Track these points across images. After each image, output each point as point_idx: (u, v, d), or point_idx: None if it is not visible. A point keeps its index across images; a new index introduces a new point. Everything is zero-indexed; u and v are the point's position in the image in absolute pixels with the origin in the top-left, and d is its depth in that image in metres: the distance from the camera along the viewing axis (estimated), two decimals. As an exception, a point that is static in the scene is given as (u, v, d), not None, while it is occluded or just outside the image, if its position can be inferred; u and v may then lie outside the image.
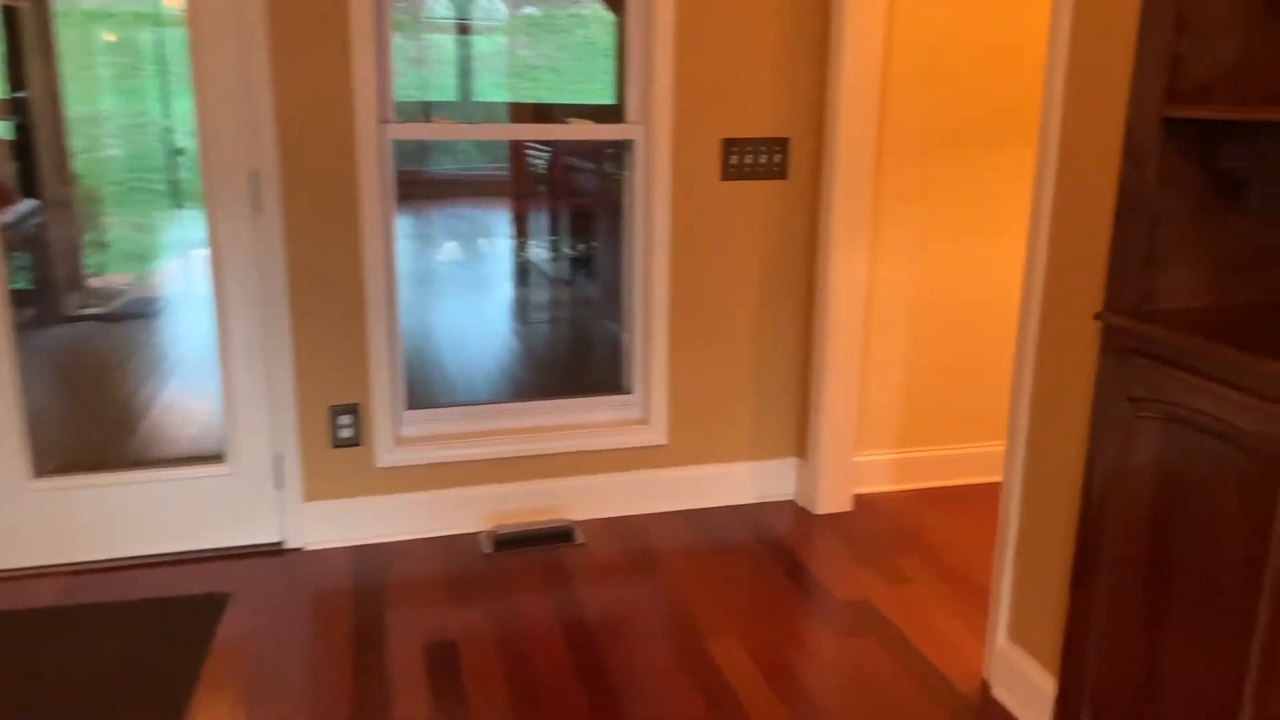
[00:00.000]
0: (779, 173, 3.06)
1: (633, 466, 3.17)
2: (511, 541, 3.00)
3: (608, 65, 3.32)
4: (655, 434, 3.16)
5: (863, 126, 2.94)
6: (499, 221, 4.72)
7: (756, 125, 3.01)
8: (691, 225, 3.03)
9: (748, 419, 3.24)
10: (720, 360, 3.16)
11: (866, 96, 2.92)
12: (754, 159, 3.02)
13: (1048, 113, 2.06)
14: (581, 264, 4.20)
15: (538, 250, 4.47)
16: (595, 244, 4.04)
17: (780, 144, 3.04)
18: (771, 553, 2.98)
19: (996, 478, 3.50)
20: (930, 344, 3.34)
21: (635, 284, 3.11)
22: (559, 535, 3.03)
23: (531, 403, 3.14)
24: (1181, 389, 1.69)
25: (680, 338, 3.11)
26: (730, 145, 2.99)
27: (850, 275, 3.04)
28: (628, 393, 3.22)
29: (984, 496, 3.38)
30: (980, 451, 3.47)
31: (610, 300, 3.44)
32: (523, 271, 4.60)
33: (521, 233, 4.57)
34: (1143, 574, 1.81)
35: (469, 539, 3.05)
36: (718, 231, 3.06)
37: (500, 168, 4.48)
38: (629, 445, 3.14)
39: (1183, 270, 1.87)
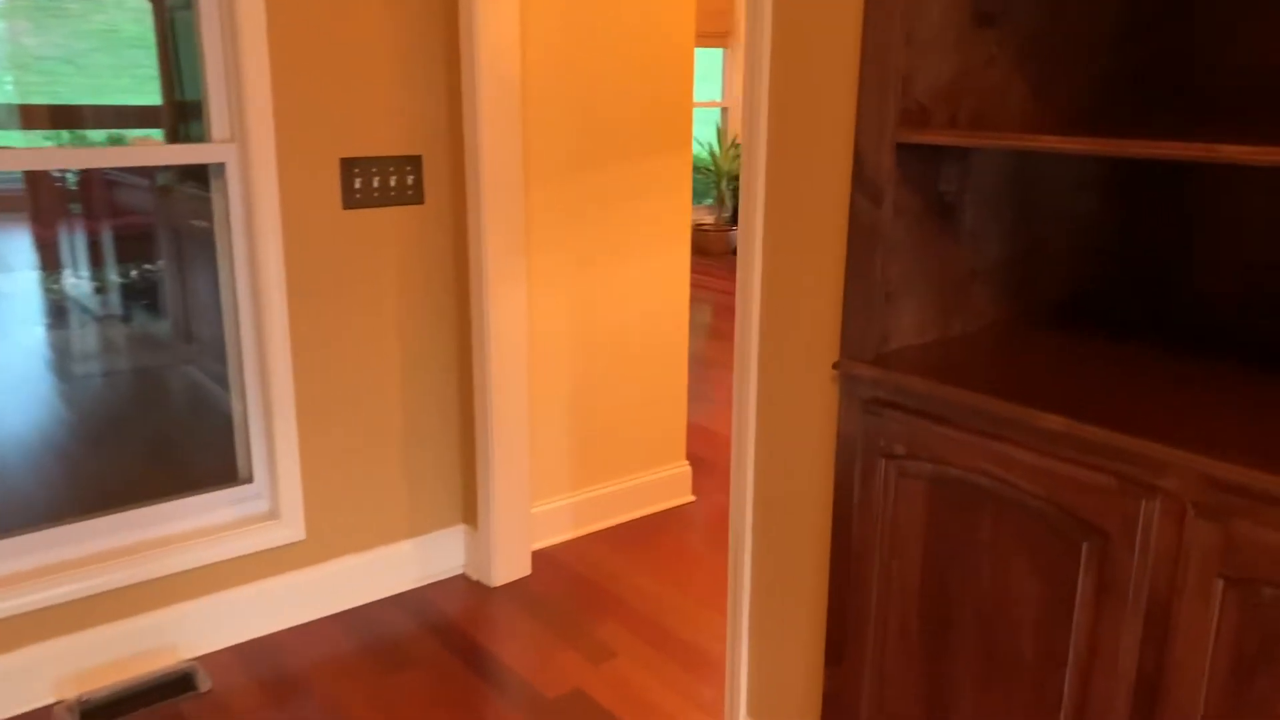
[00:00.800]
0: (414, 197, 2.56)
1: (265, 574, 2.52)
2: (106, 708, 2.23)
3: (140, 58, 2.60)
4: (290, 529, 2.53)
5: (508, 139, 2.53)
6: (14, 248, 3.65)
7: (382, 142, 2.48)
8: (311, 265, 2.44)
9: (403, 490, 2.72)
10: (363, 424, 2.61)
11: (508, 104, 2.52)
12: (382, 182, 2.50)
13: (751, 145, 1.80)
14: (139, 293, 3.33)
15: (76, 282, 3.50)
16: (155, 267, 3.19)
17: (412, 163, 2.54)
18: (451, 646, 2.51)
19: (671, 503, 3.32)
20: (595, 372, 3.05)
21: (244, 341, 2.46)
22: (175, 684, 2.31)
23: (110, 515, 2.36)
24: (949, 445, 1.51)
25: (310, 403, 2.51)
26: (352, 166, 2.44)
27: (509, 309, 2.64)
28: (246, 481, 2.55)
29: (661, 526, 3.16)
30: (654, 479, 3.26)
31: (181, 335, 2.72)
32: (58, 311, 3.59)
33: (51, 262, 3.56)
34: (920, 649, 1.63)
35: (42, 717, 2.22)
36: (345, 271, 2.50)
37: (8, 181, 3.45)
38: (257, 548, 2.49)
39: (908, 305, 1.71)
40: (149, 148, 2.24)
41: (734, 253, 8.50)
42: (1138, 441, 1.29)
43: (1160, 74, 1.92)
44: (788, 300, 1.80)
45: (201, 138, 2.48)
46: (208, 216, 2.57)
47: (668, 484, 3.30)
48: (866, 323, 1.64)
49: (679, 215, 3.13)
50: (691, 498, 3.39)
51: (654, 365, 3.19)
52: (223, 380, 2.63)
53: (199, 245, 2.65)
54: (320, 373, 2.51)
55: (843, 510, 1.70)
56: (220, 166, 2.35)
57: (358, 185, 2.46)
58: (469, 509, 2.84)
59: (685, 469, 3.36)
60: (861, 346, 1.64)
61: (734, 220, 8.52)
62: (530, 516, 2.86)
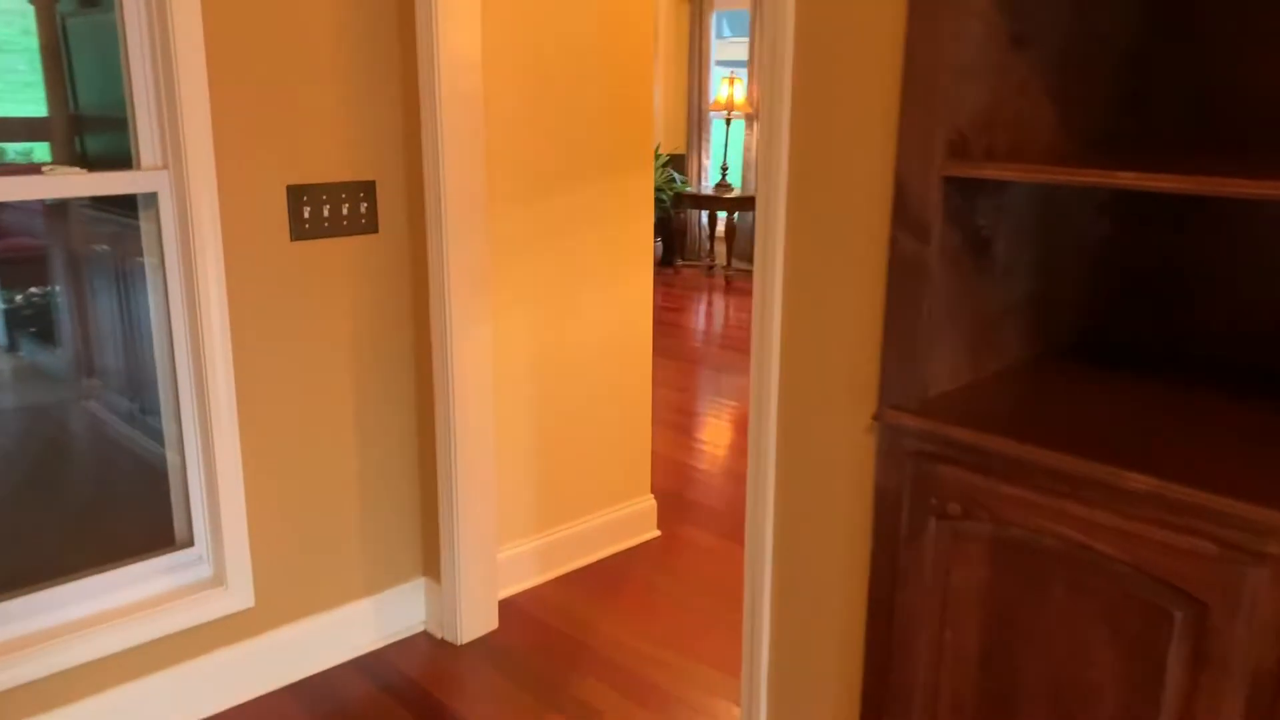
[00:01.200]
0: (367, 226, 2.34)
1: (209, 647, 2.26)
2: (33, 818, 1.95)
3: (14, 63, 2.31)
4: (237, 596, 2.27)
5: (472, 160, 2.34)
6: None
7: (331, 167, 2.26)
8: (257, 304, 2.20)
9: (358, 544, 2.49)
10: (315, 473, 2.37)
11: (472, 122, 2.32)
12: (333, 210, 2.27)
13: (769, 173, 1.65)
14: (27, 322, 2.99)
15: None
16: (44, 293, 2.85)
17: (365, 189, 2.32)
18: (419, 712, 2.29)
19: (637, 540, 3.15)
20: (558, 405, 2.86)
21: (182, 389, 2.20)
22: (112, 783, 2.04)
23: (19, 598, 2.06)
24: (1013, 505, 1.39)
25: (257, 454, 2.26)
26: (300, 194, 2.21)
27: (474, 345, 2.44)
28: (185, 545, 2.29)
29: (629, 567, 2.99)
30: (620, 515, 3.09)
31: (81, 368, 2.44)
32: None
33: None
34: (976, 725, 1.50)
35: (-47, 833, 1.93)
36: (294, 309, 2.26)
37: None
38: (201, 620, 2.23)
39: (945, 347, 1.59)
40: (68, 178, 1.96)
41: (662, 262, 8.37)
42: (1240, 504, 1.18)
43: (1170, 94, 1.84)
44: (813, 343, 1.65)
45: (102, 153, 2.22)
46: (110, 240, 2.31)
47: (633, 520, 3.14)
48: (911, 369, 1.50)
49: (641, 239, 2.97)
50: (657, 532, 3.23)
51: (619, 395, 3.02)
52: (133, 419, 2.36)
53: (99, 270, 2.38)
54: (268, 420, 2.27)
55: (882, 573, 1.57)
56: (151, 196, 2.09)
57: (306, 215, 2.22)
58: (429, 560, 2.62)
59: (650, 503, 3.19)
60: (905, 394, 1.51)
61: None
62: (497, 565, 2.66)
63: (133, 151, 2.08)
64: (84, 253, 2.42)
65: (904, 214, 1.46)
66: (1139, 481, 1.25)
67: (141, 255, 2.18)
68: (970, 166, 1.40)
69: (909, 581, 1.53)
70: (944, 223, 1.45)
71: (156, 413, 2.28)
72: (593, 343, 2.90)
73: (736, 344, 6.01)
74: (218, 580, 2.27)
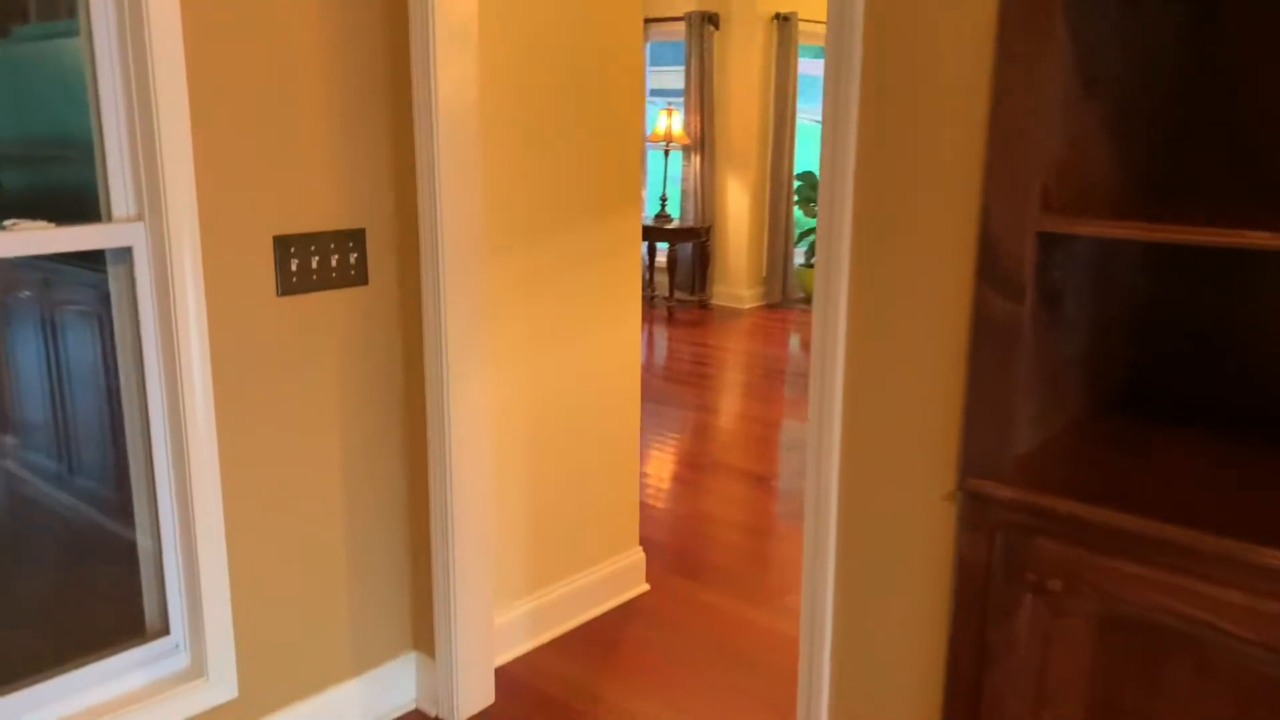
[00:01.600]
0: (356, 277, 2.17)
1: (190, 746, 2.04)
2: None
3: None
4: (220, 687, 2.06)
5: (469, 205, 2.19)
6: None
7: (320, 214, 2.08)
8: (242, 367, 2.01)
9: (346, 620, 2.30)
10: (302, 547, 2.18)
11: (470, 164, 2.18)
12: (321, 261, 2.09)
13: (831, 222, 1.55)
14: None
15: None
16: None
17: (355, 238, 2.15)
18: (430, 812, 2.11)
19: (628, 595, 3.01)
20: (549, 458, 2.71)
21: (158, 461, 1.99)
22: None
23: (-11, 697, 1.83)
24: (1124, 581, 1.30)
25: (241, 530, 2.06)
26: (288, 245, 2.03)
27: (472, 402, 2.28)
28: (160, 634, 2.07)
29: (623, 625, 2.85)
30: (610, 571, 2.94)
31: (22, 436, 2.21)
32: None
33: None
34: (1081, 815, 1.41)
35: None
36: (282, 370, 2.07)
37: None
38: (180, 718, 2.01)
39: (1025, 410, 1.50)
40: (35, 234, 1.75)
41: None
42: (1390, 583, 1.11)
43: (1208, 134, 1.81)
44: (881, 404, 1.55)
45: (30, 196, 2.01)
46: (36, 286, 2.08)
47: (624, 574, 2.99)
48: (999, 435, 1.41)
49: (630, 281, 2.85)
50: (646, 586, 3.09)
51: (609, 443, 2.88)
52: (76, 489, 2.13)
53: (21, 320, 2.14)
54: (253, 492, 2.07)
55: (966, 652, 1.47)
56: (124, 251, 1.89)
57: (294, 267, 2.04)
58: (420, 634, 2.43)
59: (640, 556, 3.06)
60: (992, 461, 1.42)
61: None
62: (493, 634, 2.48)
63: (102, 202, 1.87)
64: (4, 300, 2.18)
65: (993, 270, 1.38)
66: (1274, 557, 1.18)
67: (74, 304, 1.97)
68: (1072, 222, 1.32)
69: (999, 661, 1.43)
70: (1035, 280, 1.37)
71: (106, 481, 2.06)
72: (582, 390, 2.76)
73: (679, 376, 5.92)
74: (197, 671, 2.05)
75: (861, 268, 1.54)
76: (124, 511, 2.08)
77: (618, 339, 2.84)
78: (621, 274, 2.81)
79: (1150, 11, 1.55)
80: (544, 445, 2.69)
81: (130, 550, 2.09)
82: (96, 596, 2.17)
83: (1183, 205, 1.51)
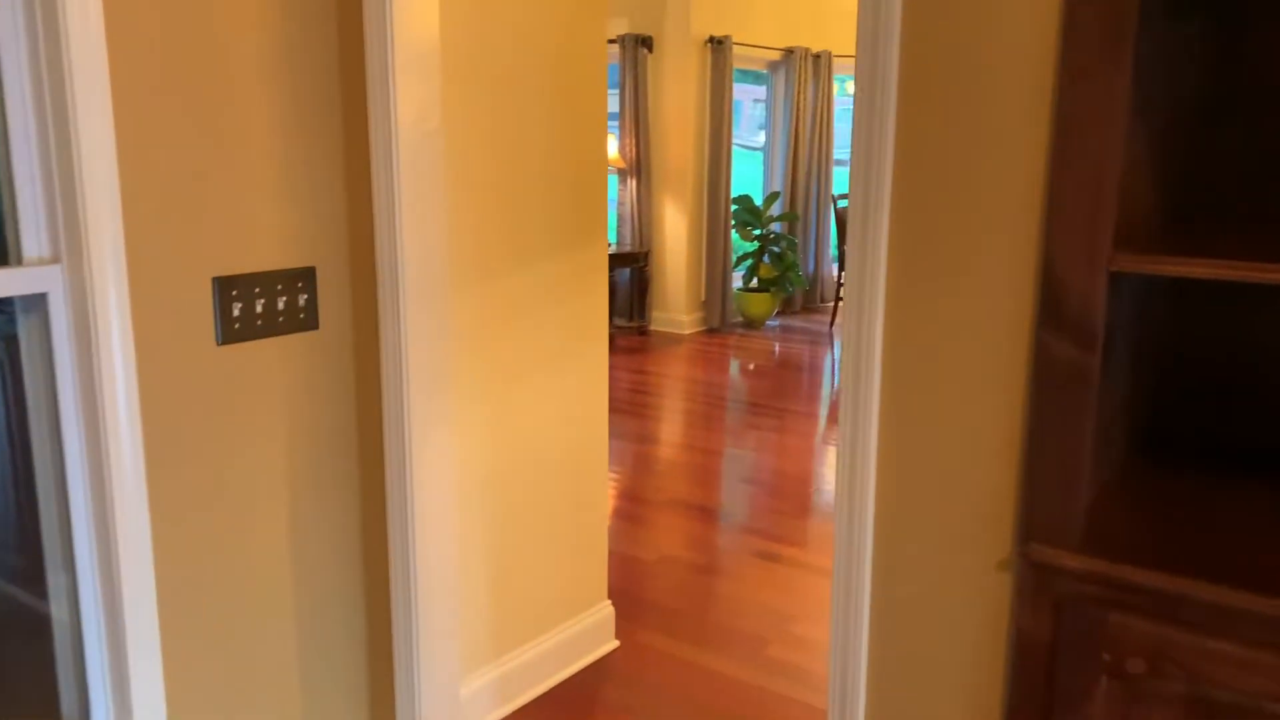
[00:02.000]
0: (307, 321, 1.94)
1: None
2: None
3: None
4: (155, 794, 1.79)
5: (431, 238, 1.98)
6: None
7: (265, 252, 1.85)
8: (177, 426, 1.76)
9: (298, 703, 2.04)
10: (246, 622, 1.93)
11: (432, 195, 1.97)
12: (267, 305, 1.86)
13: (864, 260, 1.39)
14: None
15: None
16: None
17: (304, 278, 1.92)
18: None
19: (598, 653, 2.80)
20: (513, 512, 2.50)
21: (77, 529, 1.72)
22: None
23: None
24: (1221, 663, 1.16)
25: (175, 606, 1.80)
26: (229, 287, 1.79)
27: (437, 458, 2.06)
28: (83, 734, 1.79)
29: (595, 687, 2.64)
30: (579, 629, 2.73)
31: None
32: None
33: None
34: None
35: None
36: (222, 426, 1.83)
37: None
38: (109, 835, 1.74)
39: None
40: (-68, 279, 1.49)
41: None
42: None
43: (1229, 159, 1.71)
44: (920, 463, 1.39)
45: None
46: None
47: (592, 632, 2.79)
48: (1067, 495, 1.26)
49: (596, 317, 2.66)
50: (616, 643, 2.89)
51: (575, 492, 2.68)
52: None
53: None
54: (191, 561, 1.82)
55: (1028, 738, 1.31)
56: (38, 298, 1.63)
57: (237, 312, 1.81)
58: (380, 711, 2.19)
59: (608, 610, 2.86)
60: (1059, 526, 1.27)
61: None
62: (460, 709, 2.26)
63: (10, 242, 1.61)
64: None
65: (1058, 314, 1.23)
66: (1399, 637, 1.05)
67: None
68: (1156, 261, 1.18)
69: (1068, 751, 1.28)
70: (1106, 324, 1.23)
71: (8, 546, 1.79)
72: (547, 435, 2.56)
73: (621, 406, 5.74)
74: (127, 778, 1.78)
75: (898, 311, 1.38)
76: (34, 580, 1.81)
77: (584, 378, 2.65)
78: (587, 308, 2.62)
79: (1184, 27, 1.44)
80: (508, 496, 2.47)
81: (43, 624, 1.81)
82: (2, 676, 1.89)
83: (1217, 233, 1.39)
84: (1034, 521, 1.29)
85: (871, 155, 1.36)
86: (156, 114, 1.65)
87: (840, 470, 1.46)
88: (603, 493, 2.78)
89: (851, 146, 1.38)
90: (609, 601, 2.87)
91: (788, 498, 4.20)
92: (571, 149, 2.49)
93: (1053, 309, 1.23)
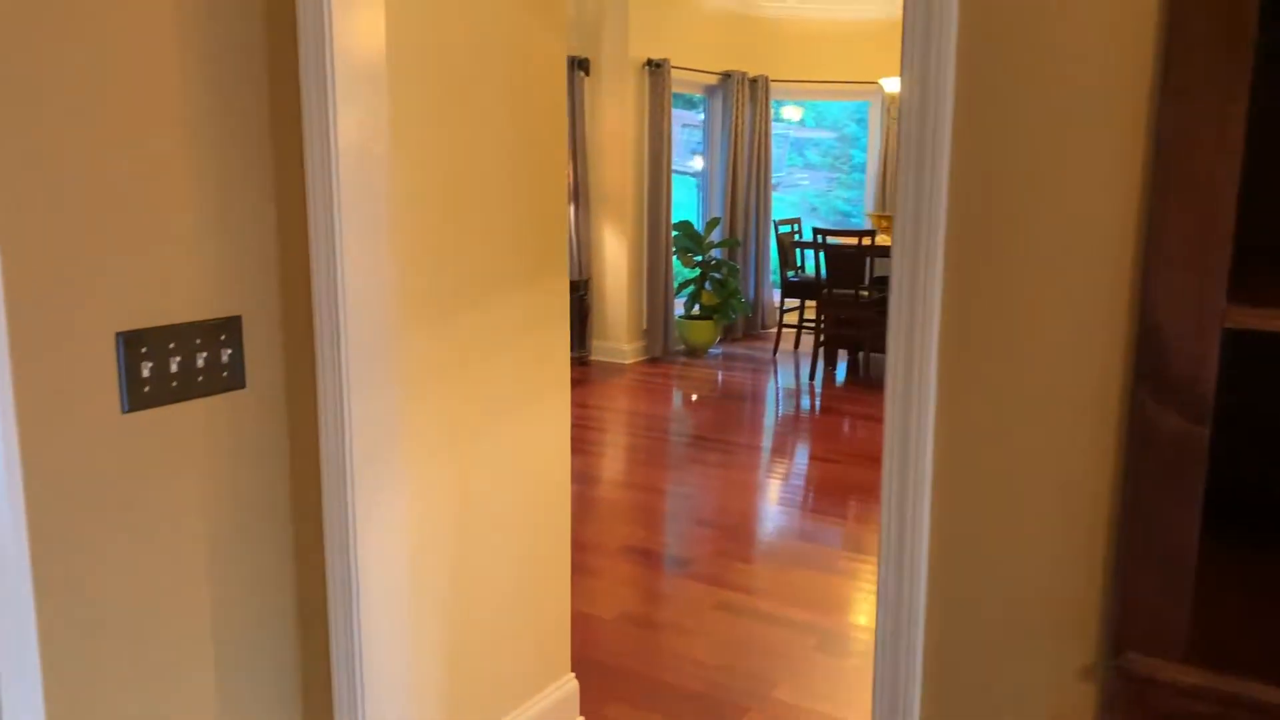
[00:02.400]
0: (231, 380, 1.65)
1: None
2: None
3: None
4: None
5: (377, 278, 1.72)
6: None
7: (180, 301, 1.56)
8: (71, 509, 1.46)
9: (223, 828, 1.74)
10: (157, 746, 1.62)
11: (377, 229, 1.71)
12: (185, 362, 1.57)
13: (911, 307, 1.17)
14: None
15: None
16: None
17: (228, 329, 1.64)
18: None
19: (562, 737, 2.53)
20: (471, 580, 2.22)
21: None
22: None
23: None
24: (1375, 801, 0.96)
25: (70, 701, 1.49)
26: (138, 344, 1.50)
27: (385, 535, 1.78)
28: None
29: (568, 779, 2.37)
30: (541, 707, 2.46)
31: None
32: None
33: None
34: None
35: None
36: (129, 509, 1.53)
37: None
38: None
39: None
40: None
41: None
42: None
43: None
44: (981, 554, 1.18)
45: None
46: None
47: (556, 710, 2.52)
48: (1172, 593, 1.06)
49: (558, 357, 2.41)
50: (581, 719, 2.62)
51: (535, 556, 2.41)
52: None
53: None
54: (88, 667, 1.51)
55: None
56: (-109, 362, 1.32)
57: (147, 372, 1.51)
58: (321, 827, 1.89)
59: (573, 685, 2.59)
60: (1160, 630, 1.06)
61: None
62: (413, 818, 1.97)
63: None
64: None
65: (1161, 378, 1.02)
66: None
67: None
68: (1262, 314, 0.98)
69: None
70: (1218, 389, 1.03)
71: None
72: (504, 494, 2.29)
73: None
74: None
75: (953, 369, 1.16)
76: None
77: (545, 426, 2.39)
78: (549, 346, 2.37)
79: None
80: (464, 562, 2.20)
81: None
82: None
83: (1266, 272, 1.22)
84: (1129, 626, 1.07)
85: (921, 180, 1.15)
86: (39, 143, 1.37)
87: (883, 562, 1.23)
88: (565, 553, 2.52)
89: (900, 174, 1.16)
90: (573, 675, 2.60)
91: (739, 539, 3.99)
92: (533, 173, 2.25)
93: (1152, 371, 1.03)
